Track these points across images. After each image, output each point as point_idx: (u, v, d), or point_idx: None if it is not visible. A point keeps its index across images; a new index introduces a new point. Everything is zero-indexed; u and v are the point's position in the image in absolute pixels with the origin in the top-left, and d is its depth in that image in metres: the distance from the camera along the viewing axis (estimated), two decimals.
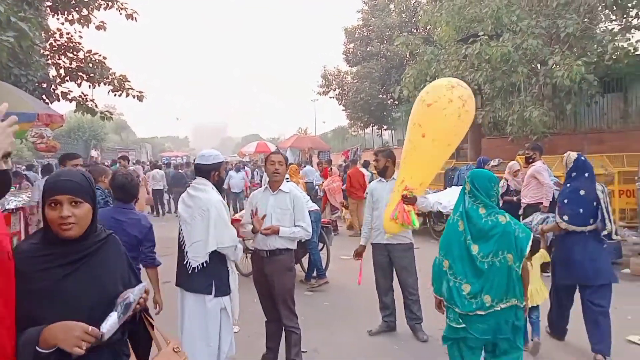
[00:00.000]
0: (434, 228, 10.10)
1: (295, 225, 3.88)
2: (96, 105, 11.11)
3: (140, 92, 11.12)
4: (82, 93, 11.09)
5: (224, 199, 3.64)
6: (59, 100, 10.69)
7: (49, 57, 10.73)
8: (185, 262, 3.34)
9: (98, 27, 10.76)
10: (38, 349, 1.44)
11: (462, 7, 12.84)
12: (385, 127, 26.42)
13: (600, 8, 11.75)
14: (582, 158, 4.28)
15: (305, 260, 6.96)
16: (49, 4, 10.28)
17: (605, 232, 4.12)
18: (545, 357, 4.25)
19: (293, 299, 3.92)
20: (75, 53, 10.91)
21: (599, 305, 4.09)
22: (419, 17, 17.41)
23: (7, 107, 1.51)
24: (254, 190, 4.75)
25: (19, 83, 8.43)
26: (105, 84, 10.92)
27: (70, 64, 10.89)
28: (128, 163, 11.87)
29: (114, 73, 10.94)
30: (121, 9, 10.63)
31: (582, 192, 4.14)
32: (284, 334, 3.96)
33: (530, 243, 2.87)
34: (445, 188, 11.10)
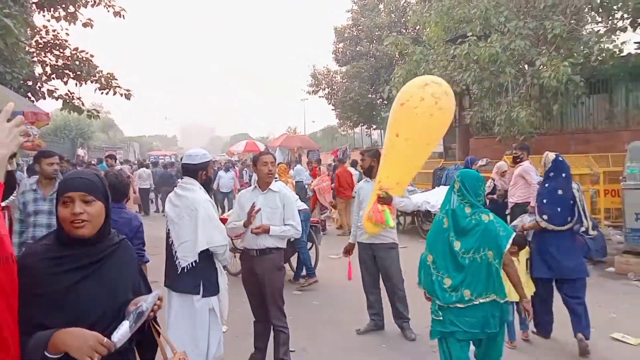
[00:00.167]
0: (422, 227, 10.15)
1: (285, 224, 3.88)
2: (83, 104, 10.99)
3: (127, 90, 11.03)
4: (69, 91, 10.97)
5: (212, 198, 3.62)
6: (44, 98, 10.56)
7: (34, 54, 10.59)
8: (174, 262, 3.32)
9: (85, 25, 10.64)
10: (47, 353, 1.41)
11: (451, 7, 12.91)
12: (374, 126, 26.49)
13: (586, 10, 11.88)
14: (560, 158, 4.43)
15: (293, 259, 6.95)
16: (34, 0, 10.14)
17: (582, 229, 4.35)
18: (527, 351, 4.30)
19: (282, 298, 3.92)
20: (61, 50, 10.79)
21: (576, 297, 4.30)
22: (408, 17, 17.49)
23: (13, 106, 1.47)
24: (242, 190, 4.73)
25: (4, 80, 8.30)
26: (92, 82, 10.81)
27: (57, 62, 10.77)
28: (115, 162, 11.76)
29: (101, 71, 10.83)
30: (108, 6, 10.53)
31: (560, 192, 4.32)
32: (272, 334, 3.95)
33: (510, 241, 2.99)
34: (434, 187, 11.16)
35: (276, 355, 3.87)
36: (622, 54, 11.62)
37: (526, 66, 11.98)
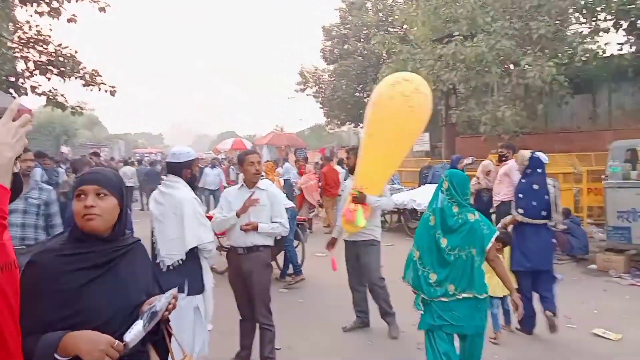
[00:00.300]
0: (408, 225, 10.19)
1: (273, 222, 3.88)
2: (66, 100, 10.84)
3: (112, 86, 10.91)
4: (52, 88, 10.81)
5: (197, 196, 3.59)
6: (27, 95, 10.40)
7: (17, 50, 10.42)
8: (157, 261, 3.29)
9: (69, 20, 10.49)
10: (56, 356, 1.39)
11: (438, 7, 13.00)
12: (361, 125, 26.49)
13: (570, 11, 12.05)
14: (535, 155, 4.71)
15: (280, 258, 6.94)
16: None
17: (551, 223, 4.64)
18: (509, 345, 4.36)
19: (269, 296, 3.92)
20: (44, 46, 10.62)
21: (547, 283, 4.64)
22: (396, 17, 17.55)
23: (19, 104, 1.41)
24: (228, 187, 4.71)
25: None
26: (76, 78, 10.66)
27: (40, 58, 10.60)
28: (99, 159, 11.63)
29: (85, 67, 10.70)
30: (93, 1, 10.40)
31: (535, 187, 4.60)
32: (258, 332, 3.94)
33: (492, 239, 3.12)
34: (420, 186, 11.23)
35: (262, 354, 3.86)
36: (605, 55, 11.81)
37: (512, 66, 12.11)
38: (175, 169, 3.42)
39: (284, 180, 11.08)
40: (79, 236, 1.57)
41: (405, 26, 19.11)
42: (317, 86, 26.58)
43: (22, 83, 10.37)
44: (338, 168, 11.55)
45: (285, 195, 6.85)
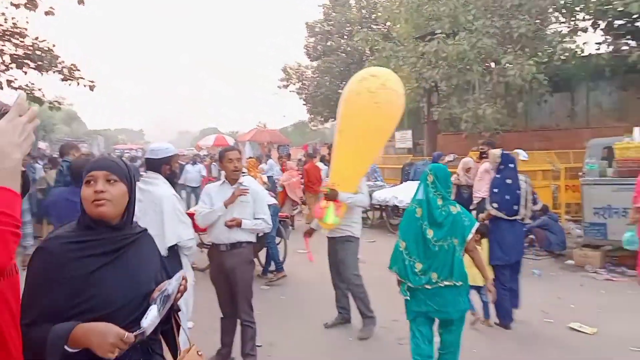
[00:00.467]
0: (390, 222, 10.25)
1: (256, 218, 3.87)
2: (44, 95, 10.62)
3: (91, 81, 10.72)
4: (29, 82, 10.59)
5: (177, 193, 3.56)
6: (2, 89, 10.16)
7: None
8: None
9: (47, 13, 10.27)
10: (67, 348, 1.39)
11: (421, 4, 13.07)
12: None
13: (550, 10, 12.22)
14: (505, 152, 5.04)
15: (262, 254, 6.92)
16: None
17: (519, 217, 4.85)
18: (488, 340, 4.42)
19: (252, 293, 3.91)
20: (21, 39, 10.37)
21: (516, 274, 4.93)
22: (379, 14, 17.58)
23: (25, 97, 1.31)
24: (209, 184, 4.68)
25: None
26: (54, 72, 10.45)
27: (16, 51, 10.35)
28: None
29: (64, 61, 10.49)
30: None
31: (508, 181, 4.85)
32: (239, 329, 3.93)
33: (473, 230, 3.33)
34: (402, 183, 11.29)
35: (243, 351, 3.85)
36: (583, 54, 12.02)
37: (493, 64, 12.24)
38: (154, 165, 3.38)
39: (268, 177, 11.04)
40: (88, 223, 1.56)
41: (388, 23, 19.17)
42: (301, 82, 26.53)
43: None
44: (320, 165, 11.55)
45: (268, 191, 6.83)
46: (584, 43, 12.10)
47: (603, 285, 6.22)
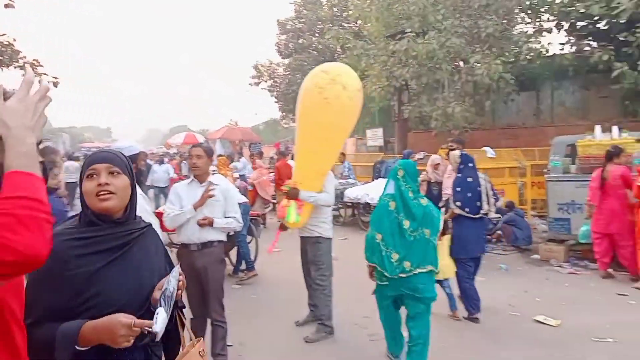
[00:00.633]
0: (362, 219, 10.31)
1: (227, 217, 3.84)
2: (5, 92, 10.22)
3: (55, 77, 10.39)
4: None
5: (145, 193, 3.48)
6: None
7: None
8: None
9: (6, 6, 9.88)
10: (77, 347, 1.35)
11: (391, 3, 13.17)
12: None
13: (516, 11, 12.51)
14: (465, 153, 5.32)
15: (233, 253, 6.85)
16: None
17: (482, 212, 5.04)
18: (456, 333, 4.50)
19: (223, 292, 3.87)
20: None
21: (477, 269, 5.14)
22: (350, 12, 17.64)
23: (32, 74, 1.16)
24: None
25: None
26: (15, 67, 10.09)
27: None
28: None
29: (25, 56, 10.14)
30: None
31: (469, 179, 5.06)
32: (209, 328, 3.88)
33: (442, 221, 3.67)
34: (374, 180, 11.37)
35: (213, 350, 3.80)
36: (548, 54, 12.36)
37: (461, 63, 12.45)
38: None
39: (240, 175, 10.94)
40: (91, 219, 1.51)
41: (359, 22, 19.28)
42: (272, 80, 26.39)
43: None
44: (292, 163, 11.50)
45: (238, 190, 6.76)
46: (548, 43, 12.49)
47: (567, 278, 6.41)
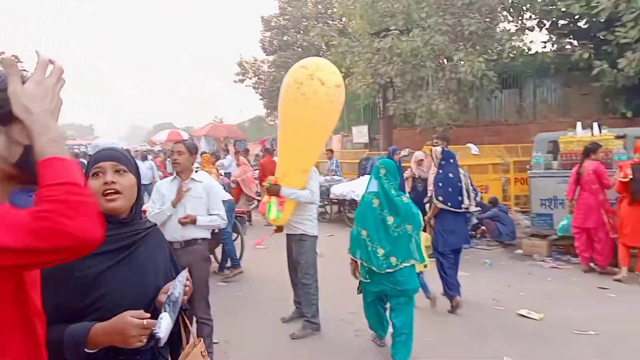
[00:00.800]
0: (347, 216, 10.34)
1: (211, 214, 3.82)
2: None
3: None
4: None
5: None
6: None
7: None
8: None
9: None
10: (87, 350, 1.34)
11: (375, 1, 13.18)
12: None
13: (499, 9, 12.63)
14: (446, 149, 5.42)
15: (218, 251, 6.82)
16: None
17: (464, 206, 5.17)
18: (439, 328, 4.54)
19: (208, 290, 3.85)
20: None
21: (457, 261, 5.22)
22: (335, 9, 17.62)
23: (47, 57, 1.09)
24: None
25: None
26: None
27: None
28: None
29: (4, 52, 9.93)
30: None
31: (450, 175, 5.19)
32: (195, 326, 3.85)
33: (422, 218, 3.81)
34: (359, 177, 11.40)
35: None
36: (530, 52, 12.50)
37: (445, 61, 12.53)
38: None
39: (226, 173, 10.88)
40: None
41: (343, 19, 19.27)
42: (257, 77, 26.25)
43: None
44: (277, 160, 11.46)
45: (223, 187, 6.72)
46: (530, 42, 12.61)
47: (549, 273, 6.51)
